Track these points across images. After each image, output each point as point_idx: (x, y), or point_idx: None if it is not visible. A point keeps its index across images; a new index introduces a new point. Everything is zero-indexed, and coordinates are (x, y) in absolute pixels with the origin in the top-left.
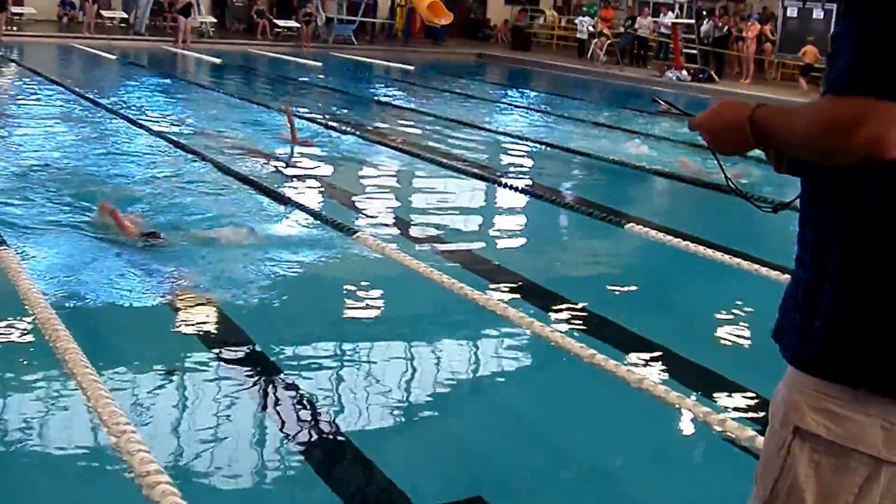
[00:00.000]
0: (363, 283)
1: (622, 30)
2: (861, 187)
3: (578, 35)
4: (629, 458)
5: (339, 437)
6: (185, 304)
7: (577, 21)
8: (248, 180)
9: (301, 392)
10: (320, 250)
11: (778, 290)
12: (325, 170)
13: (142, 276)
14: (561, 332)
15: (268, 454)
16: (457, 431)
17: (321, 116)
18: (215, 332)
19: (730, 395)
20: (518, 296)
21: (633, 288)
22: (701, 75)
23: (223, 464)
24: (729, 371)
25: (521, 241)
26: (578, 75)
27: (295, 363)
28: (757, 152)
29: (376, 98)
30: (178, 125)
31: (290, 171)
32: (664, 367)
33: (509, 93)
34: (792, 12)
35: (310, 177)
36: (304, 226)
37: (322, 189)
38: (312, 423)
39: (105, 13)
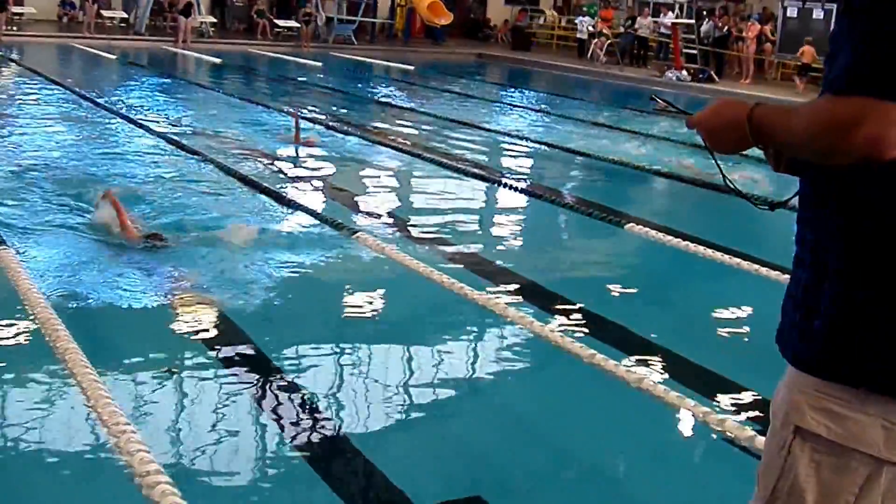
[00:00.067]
0: (363, 284)
1: (622, 30)
2: (861, 187)
3: (578, 35)
4: (629, 458)
5: (339, 437)
6: (185, 304)
7: (577, 21)
8: (248, 180)
9: (301, 392)
10: (320, 250)
11: (778, 289)
12: (325, 170)
13: (141, 275)
14: (561, 332)
15: (268, 454)
16: (457, 431)
17: (321, 116)
18: (215, 332)
19: (730, 395)
20: (518, 296)
21: (633, 288)
22: (701, 75)
23: (223, 464)
24: (729, 371)
25: (521, 240)
26: (578, 75)
27: (295, 363)
28: (757, 152)
29: (376, 98)
30: (177, 125)
31: (289, 171)
32: (664, 367)
33: (509, 93)
34: (792, 12)
35: (309, 177)
36: (303, 226)
37: (322, 189)
38: (312, 422)
39: (105, 13)
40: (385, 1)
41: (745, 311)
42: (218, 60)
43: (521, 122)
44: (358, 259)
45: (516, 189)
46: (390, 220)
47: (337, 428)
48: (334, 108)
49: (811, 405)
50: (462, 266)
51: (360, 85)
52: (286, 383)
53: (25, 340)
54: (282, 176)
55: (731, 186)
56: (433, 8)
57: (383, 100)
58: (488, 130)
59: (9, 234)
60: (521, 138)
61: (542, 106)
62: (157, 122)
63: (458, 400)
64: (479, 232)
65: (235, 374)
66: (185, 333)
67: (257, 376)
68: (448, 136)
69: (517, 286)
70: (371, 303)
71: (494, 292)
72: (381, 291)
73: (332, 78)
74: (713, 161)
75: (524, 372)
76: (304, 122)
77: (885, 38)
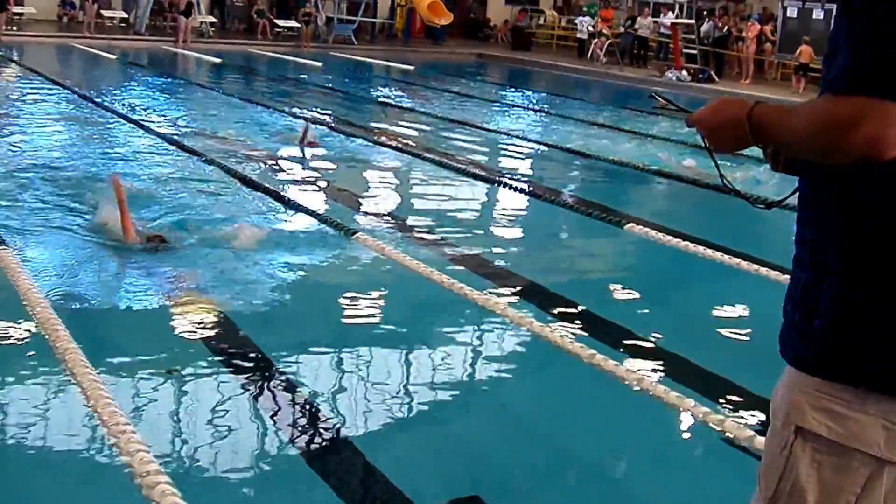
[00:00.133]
0: (363, 284)
1: (622, 30)
2: (861, 187)
3: (578, 35)
4: (629, 458)
5: (339, 438)
6: (185, 304)
7: (577, 21)
8: (248, 180)
9: (301, 392)
10: (320, 251)
11: (778, 289)
12: (325, 170)
13: (141, 275)
14: (561, 332)
15: (267, 454)
16: (457, 431)
17: (321, 117)
18: (215, 332)
19: (730, 395)
20: (518, 296)
21: (633, 288)
22: (701, 75)
23: (223, 464)
24: (729, 371)
25: (521, 241)
26: (578, 75)
27: (295, 363)
28: (758, 152)
29: (376, 98)
30: (177, 125)
31: (289, 171)
32: (664, 367)
33: (509, 93)
34: (792, 12)
35: (309, 177)
36: (303, 226)
37: (322, 189)
38: (312, 423)
39: (105, 13)
40: (385, 1)
41: (745, 311)
42: (218, 60)
43: (521, 123)
44: (358, 259)
45: (516, 189)
46: (390, 221)
47: (337, 428)
48: (334, 109)
49: (812, 405)
50: (462, 266)
51: (360, 85)
52: (286, 383)
53: (25, 340)
54: (281, 176)
55: (729, 185)
56: (433, 8)
57: (383, 100)
58: (488, 130)
59: (9, 234)
60: (521, 138)
61: (542, 106)
62: (157, 122)
63: (458, 400)
64: (479, 232)
65: (235, 375)
66: (185, 334)
67: (257, 376)
68: (448, 136)
69: (517, 286)
70: (371, 303)
71: (494, 292)
72: (381, 292)
73: (332, 78)
74: (712, 159)
75: (524, 372)
76: (298, 122)
77: (884, 38)
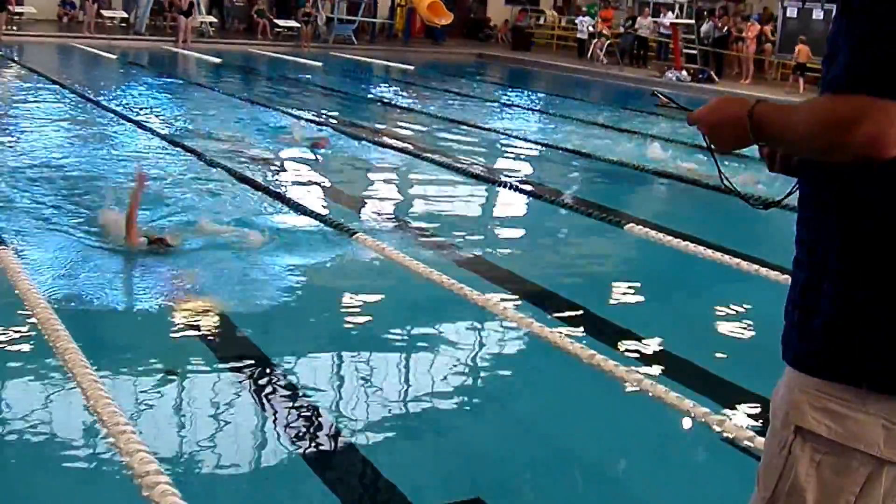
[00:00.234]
0: (363, 284)
1: (622, 30)
2: (861, 187)
3: (578, 35)
4: (629, 458)
5: (339, 438)
6: (185, 304)
7: (577, 21)
8: (248, 180)
9: (300, 393)
10: (320, 251)
11: (777, 290)
12: (325, 170)
13: (141, 275)
14: (561, 332)
15: (267, 454)
16: (457, 432)
17: (321, 117)
18: (215, 332)
19: (729, 395)
20: (518, 296)
21: (633, 288)
22: (701, 76)
23: (223, 464)
24: (729, 371)
25: (521, 241)
26: (578, 75)
27: (294, 364)
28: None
29: (376, 98)
30: (177, 125)
31: (289, 172)
32: (664, 367)
33: (509, 93)
34: (792, 13)
35: (309, 177)
36: (303, 226)
37: (322, 189)
38: (312, 423)
39: (105, 13)
40: (385, 1)
41: (745, 311)
42: (218, 60)
43: (521, 123)
44: (358, 260)
45: (516, 189)
46: (390, 221)
47: (336, 428)
48: (334, 109)
49: (812, 405)
50: (462, 266)
51: (360, 85)
52: (286, 384)
53: (25, 340)
54: (281, 176)
55: (727, 184)
56: (433, 8)
57: (383, 100)
58: (488, 130)
59: (9, 234)
60: (521, 138)
61: (542, 106)
62: (157, 122)
63: (458, 400)
64: (479, 232)
65: (235, 375)
66: (185, 334)
67: (257, 377)
68: (448, 136)
69: (517, 286)
70: (371, 303)
71: (494, 293)
72: (381, 292)
73: (333, 78)
74: (712, 158)
75: (524, 372)
76: (298, 121)
77: (884, 38)
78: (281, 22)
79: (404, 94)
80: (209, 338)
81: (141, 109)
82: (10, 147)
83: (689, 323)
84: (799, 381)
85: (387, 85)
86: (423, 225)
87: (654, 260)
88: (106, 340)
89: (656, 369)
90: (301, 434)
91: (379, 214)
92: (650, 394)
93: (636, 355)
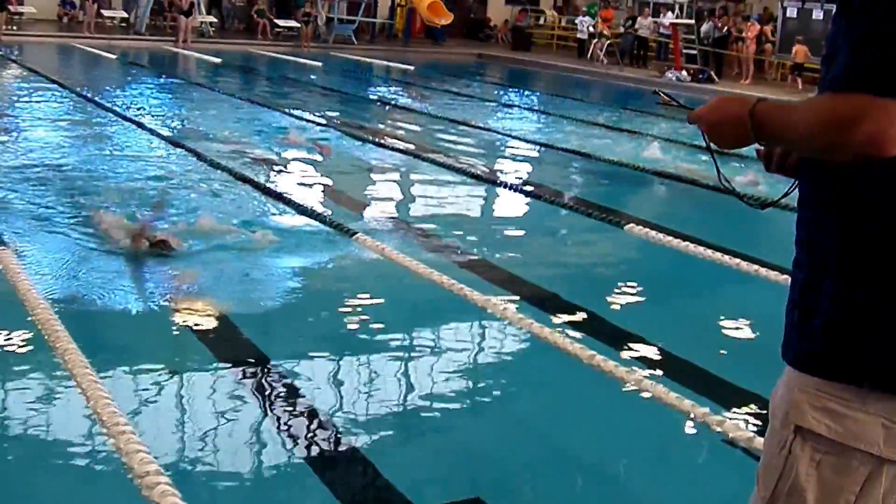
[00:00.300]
0: (363, 285)
1: (622, 30)
2: (861, 187)
3: (578, 35)
4: (629, 458)
5: (339, 438)
6: (185, 305)
7: (577, 21)
8: (248, 180)
9: (300, 393)
10: (320, 251)
11: (777, 290)
12: (326, 170)
13: (141, 275)
14: (561, 332)
15: (267, 455)
16: (457, 432)
17: (321, 117)
18: (215, 332)
19: (729, 395)
20: (518, 296)
21: (633, 289)
22: (701, 76)
23: (223, 464)
24: (728, 371)
25: (522, 241)
26: (578, 75)
27: (294, 364)
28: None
29: (376, 98)
30: (177, 125)
31: (289, 172)
32: (664, 368)
33: (509, 93)
34: (791, 13)
35: (309, 177)
36: (303, 227)
37: (322, 190)
38: (312, 423)
39: (105, 13)
40: (385, 1)
41: (745, 311)
42: (218, 60)
43: (522, 123)
44: (357, 260)
45: (516, 189)
46: (390, 221)
47: (336, 429)
48: (334, 109)
49: (811, 404)
50: (462, 266)
51: (360, 85)
52: (286, 384)
53: (25, 341)
54: (281, 176)
55: (726, 184)
56: (433, 8)
57: (383, 100)
58: (488, 131)
59: (9, 234)
60: (521, 139)
61: (542, 106)
62: (157, 122)
63: (459, 400)
64: (479, 232)
65: (235, 375)
66: (185, 334)
67: (256, 377)
68: (448, 136)
69: (517, 287)
70: (371, 304)
71: (494, 293)
72: (381, 292)
73: (333, 78)
74: (711, 157)
75: (524, 372)
76: (298, 122)
77: (884, 38)
78: (281, 22)
79: (404, 94)
80: (209, 338)
81: (141, 109)
82: (11, 147)
83: (688, 323)
84: (799, 381)
85: (387, 85)
86: (424, 225)
87: (653, 260)
88: (106, 341)
89: (656, 369)
90: (301, 434)
91: (379, 214)
92: (650, 394)
93: (636, 355)
